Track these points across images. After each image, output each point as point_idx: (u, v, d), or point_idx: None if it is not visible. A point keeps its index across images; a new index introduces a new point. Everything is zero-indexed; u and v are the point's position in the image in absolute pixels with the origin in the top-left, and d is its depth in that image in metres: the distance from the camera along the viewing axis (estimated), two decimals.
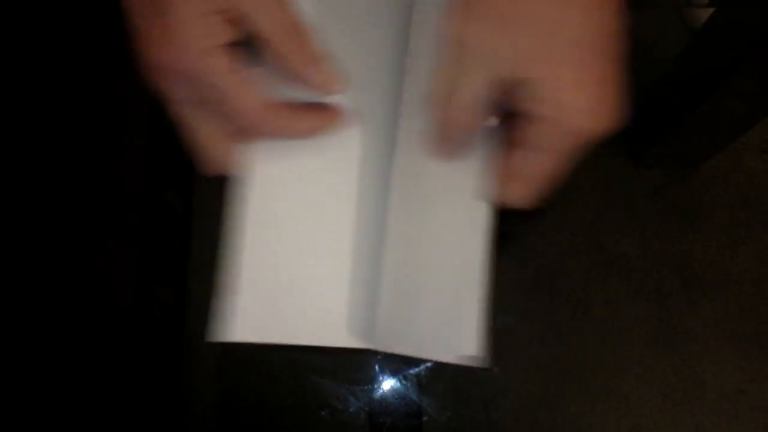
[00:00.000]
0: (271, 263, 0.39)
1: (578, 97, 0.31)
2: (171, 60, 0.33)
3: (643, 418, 0.39)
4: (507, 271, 0.39)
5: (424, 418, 0.40)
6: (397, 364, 0.40)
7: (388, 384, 0.40)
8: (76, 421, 0.40)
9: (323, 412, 0.40)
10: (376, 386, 0.40)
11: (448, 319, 0.35)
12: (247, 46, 0.35)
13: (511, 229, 0.41)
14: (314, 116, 0.37)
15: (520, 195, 0.35)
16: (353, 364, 0.40)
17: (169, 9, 0.32)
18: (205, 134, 0.36)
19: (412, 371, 0.40)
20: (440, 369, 0.40)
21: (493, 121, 0.36)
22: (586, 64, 0.31)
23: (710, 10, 0.40)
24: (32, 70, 0.45)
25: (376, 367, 0.40)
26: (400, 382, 0.40)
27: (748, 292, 0.41)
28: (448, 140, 0.36)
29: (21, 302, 0.42)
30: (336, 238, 0.39)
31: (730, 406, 0.40)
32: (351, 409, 0.40)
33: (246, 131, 0.36)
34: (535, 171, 0.34)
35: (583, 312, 0.41)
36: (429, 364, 0.40)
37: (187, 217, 0.43)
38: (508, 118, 0.35)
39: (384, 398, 0.40)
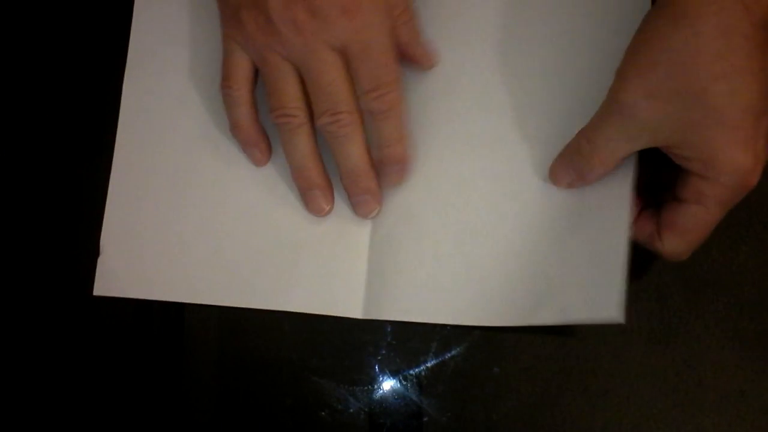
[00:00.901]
0: (149, 221, 0.42)
1: (740, 157, 0.32)
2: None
3: (643, 419, 0.39)
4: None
5: (425, 419, 0.40)
6: (397, 364, 0.40)
7: (388, 384, 0.40)
8: (72, 421, 0.40)
9: (323, 413, 0.40)
10: (376, 387, 0.40)
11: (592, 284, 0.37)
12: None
13: None
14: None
15: (676, 247, 0.36)
16: (353, 365, 0.40)
17: None
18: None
19: (412, 371, 0.40)
20: (440, 369, 0.40)
21: None
22: (749, 126, 0.32)
23: None
24: (33, 70, 0.45)
25: (376, 367, 0.40)
26: (400, 382, 0.40)
27: (749, 292, 0.41)
28: (580, 183, 0.38)
29: (20, 299, 0.42)
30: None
31: (731, 407, 0.40)
32: (351, 410, 0.40)
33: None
34: (693, 223, 0.35)
35: None
36: (429, 364, 0.40)
37: None
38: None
39: (384, 399, 0.40)
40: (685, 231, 0.36)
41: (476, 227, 0.40)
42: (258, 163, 0.42)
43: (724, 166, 0.33)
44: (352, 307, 0.40)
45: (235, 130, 0.41)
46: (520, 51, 0.42)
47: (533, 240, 0.39)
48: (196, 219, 0.42)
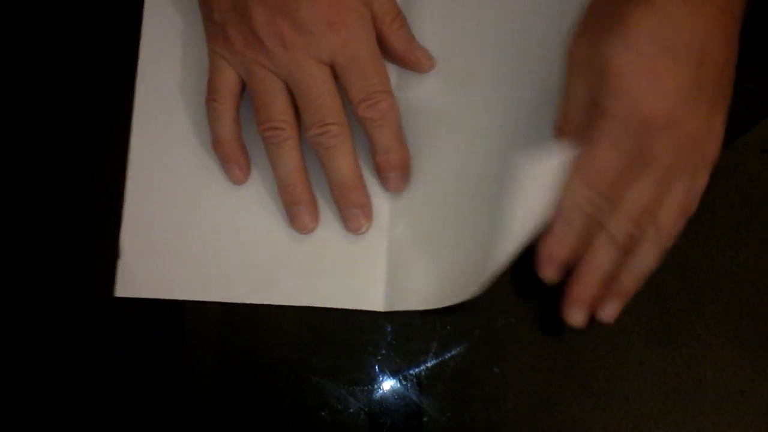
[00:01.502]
0: (169, 221, 0.42)
1: (648, 91, 0.32)
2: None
3: (643, 419, 0.39)
4: (507, 271, 0.39)
5: (425, 419, 0.40)
6: (397, 364, 0.40)
7: (388, 384, 0.40)
8: (71, 420, 0.40)
9: (323, 413, 0.40)
10: (376, 386, 0.40)
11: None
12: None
13: None
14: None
15: (574, 192, 0.35)
16: (353, 365, 0.40)
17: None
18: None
19: (412, 371, 0.40)
20: (440, 369, 0.40)
21: None
22: (674, 74, 0.32)
23: None
24: (48, 71, 0.45)
25: (376, 367, 0.40)
26: (400, 382, 0.40)
27: (749, 292, 0.41)
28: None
29: (20, 298, 0.42)
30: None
31: (731, 407, 0.40)
32: (351, 410, 0.40)
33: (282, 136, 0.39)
34: (584, 160, 0.34)
35: None
36: (429, 364, 0.40)
37: None
38: None
39: (384, 399, 0.40)
40: (578, 168, 0.35)
41: (487, 212, 0.40)
42: (236, 180, 0.42)
43: (623, 85, 0.32)
44: (374, 300, 0.40)
45: (216, 144, 0.41)
46: (516, 50, 0.43)
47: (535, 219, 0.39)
48: (215, 217, 0.42)
